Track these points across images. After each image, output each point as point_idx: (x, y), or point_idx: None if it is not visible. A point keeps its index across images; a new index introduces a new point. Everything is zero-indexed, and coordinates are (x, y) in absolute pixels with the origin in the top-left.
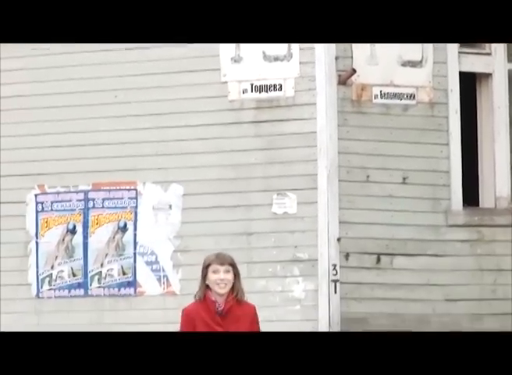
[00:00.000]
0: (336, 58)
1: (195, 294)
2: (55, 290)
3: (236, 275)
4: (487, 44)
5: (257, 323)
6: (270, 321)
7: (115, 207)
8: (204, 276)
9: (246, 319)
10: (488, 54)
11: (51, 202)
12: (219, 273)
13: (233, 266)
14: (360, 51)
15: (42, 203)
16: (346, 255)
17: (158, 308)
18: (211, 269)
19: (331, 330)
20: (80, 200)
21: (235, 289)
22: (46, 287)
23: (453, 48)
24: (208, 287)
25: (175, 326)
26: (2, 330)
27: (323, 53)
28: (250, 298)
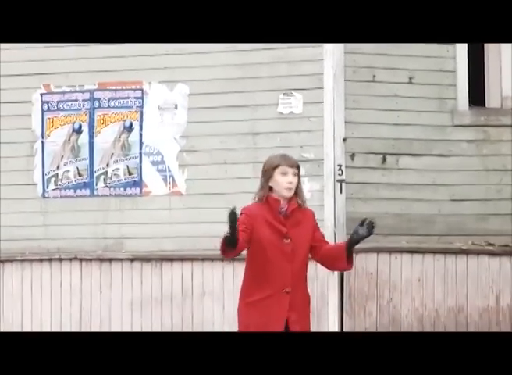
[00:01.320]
0: None
1: (255, 194)
2: (60, 190)
3: (300, 179)
4: None
5: (318, 225)
6: None
7: (121, 107)
8: (268, 178)
9: (306, 224)
10: None
11: (57, 102)
12: (288, 175)
13: (299, 169)
14: None
15: (48, 103)
16: (352, 155)
17: (163, 209)
18: (279, 170)
19: (336, 230)
20: (86, 100)
21: (299, 193)
22: (52, 187)
23: None
24: (271, 189)
25: (179, 227)
26: (9, 228)
27: None
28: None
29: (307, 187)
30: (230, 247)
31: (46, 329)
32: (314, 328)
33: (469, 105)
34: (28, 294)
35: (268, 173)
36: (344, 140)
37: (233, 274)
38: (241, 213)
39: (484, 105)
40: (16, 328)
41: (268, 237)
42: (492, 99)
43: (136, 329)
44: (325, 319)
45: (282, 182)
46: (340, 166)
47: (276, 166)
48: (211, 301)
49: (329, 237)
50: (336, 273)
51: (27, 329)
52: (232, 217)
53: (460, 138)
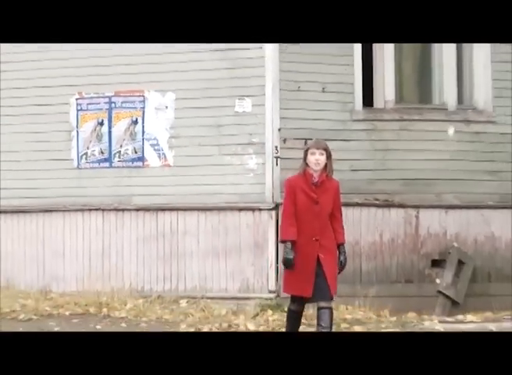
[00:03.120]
0: None
1: (298, 169)
2: (89, 163)
3: (329, 157)
4: None
5: (339, 194)
6: (234, 184)
7: (130, 107)
8: (305, 157)
9: (332, 191)
10: None
11: (87, 104)
12: (315, 154)
13: (326, 150)
14: None
15: (81, 105)
16: (284, 140)
17: (158, 176)
18: (309, 151)
19: (273, 191)
20: (106, 103)
21: (327, 167)
22: (83, 161)
23: None
24: (307, 165)
25: (169, 188)
26: (54, 189)
27: None
28: (220, 168)
29: (254, 161)
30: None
31: (80, 258)
32: (258, 254)
33: (363, 106)
34: (68, 233)
35: (304, 154)
36: (279, 129)
37: (205, 220)
38: (286, 180)
39: (373, 105)
40: (59, 256)
41: (303, 202)
42: (378, 101)
43: (140, 256)
44: (266, 247)
45: (311, 159)
46: (276, 147)
47: (308, 149)
48: (190, 238)
49: (269, 196)
50: (274, 219)
51: (67, 256)
52: (288, 263)
53: (357, 128)
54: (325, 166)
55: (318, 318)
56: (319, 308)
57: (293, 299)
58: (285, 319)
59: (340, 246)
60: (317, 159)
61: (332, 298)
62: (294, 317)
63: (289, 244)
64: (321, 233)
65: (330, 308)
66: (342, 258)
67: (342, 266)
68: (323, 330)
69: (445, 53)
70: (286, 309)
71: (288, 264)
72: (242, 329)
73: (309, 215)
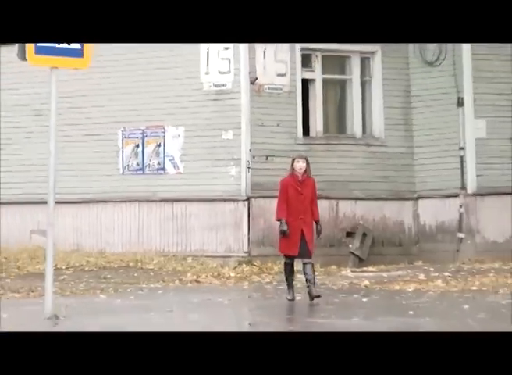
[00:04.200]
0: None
1: (288, 172)
2: (130, 171)
3: (308, 164)
4: None
5: (315, 188)
6: (221, 185)
7: (155, 136)
8: (292, 164)
9: (311, 186)
10: None
11: (128, 134)
12: (299, 162)
13: (306, 159)
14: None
15: (124, 134)
16: (253, 157)
17: (173, 179)
18: (295, 161)
19: (246, 190)
20: (140, 133)
21: (307, 171)
22: (126, 170)
23: None
24: (294, 169)
25: (179, 187)
26: (107, 187)
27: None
28: (213, 175)
29: (234, 170)
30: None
31: (124, 231)
32: (236, 229)
33: (302, 135)
34: (115, 215)
35: (291, 162)
36: (250, 150)
37: (203, 207)
38: (281, 180)
39: (309, 134)
40: (110, 230)
41: (292, 193)
42: (312, 132)
43: (162, 230)
44: (241, 224)
45: (296, 166)
46: (248, 161)
47: (294, 159)
48: (193, 218)
49: (243, 193)
50: (246, 207)
51: (116, 230)
52: (283, 230)
53: (299, 149)
54: (305, 170)
55: (304, 269)
56: (304, 263)
57: (286, 257)
58: (255, 269)
59: (317, 221)
60: (300, 166)
61: (311, 256)
62: (288, 268)
63: (283, 221)
64: (304, 214)
65: (311, 263)
66: (319, 228)
67: (319, 233)
68: (308, 277)
69: (354, 93)
70: (255, 263)
71: (283, 233)
72: (227, 275)
73: (296, 202)
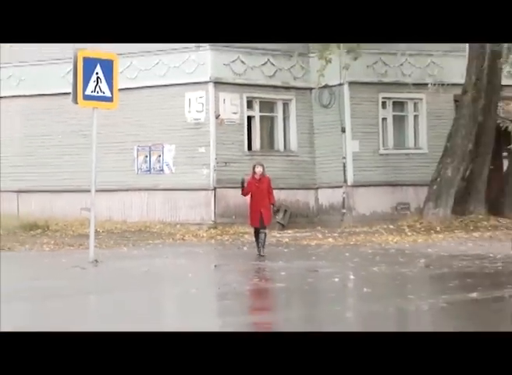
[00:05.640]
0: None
1: (250, 174)
2: (142, 172)
3: (264, 168)
4: None
5: (270, 183)
6: (198, 180)
7: (157, 150)
8: (253, 168)
9: (267, 182)
10: None
11: (141, 149)
12: (258, 167)
13: (262, 166)
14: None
15: (138, 149)
16: (218, 163)
17: (168, 176)
18: (255, 166)
19: (213, 183)
20: (148, 148)
21: (263, 172)
22: (139, 171)
23: None
24: (254, 172)
25: (173, 181)
26: (120, 183)
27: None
28: (193, 175)
29: (205, 171)
30: (242, 192)
31: (136, 209)
32: (207, 207)
33: (248, 150)
34: (133, 199)
35: (252, 167)
36: (216, 159)
37: (187, 194)
38: (247, 180)
39: (252, 149)
40: (128, 208)
41: (253, 188)
42: (254, 147)
43: (162, 208)
44: (210, 205)
45: (256, 170)
46: (214, 165)
47: (254, 166)
48: (181, 200)
49: (211, 185)
50: (213, 194)
51: (133, 208)
52: (242, 181)
53: (246, 160)
54: (262, 172)
55: (259, 235)
56: (260, 232)
57: (253, 227)
58: (218, 232)
59: (273, 203)
60: (258, 170)
61: (265, 228)
62: (255, 234)
63: (247, 195)
64: (262, 200)
65: (265, 232)
66: (275, 208)
67: (275, 211)
68: (260, 241)
69: (279, 124)
70: (218, 228)
71: (242, 183)
72: (201, 236)
73: (256, 193)
